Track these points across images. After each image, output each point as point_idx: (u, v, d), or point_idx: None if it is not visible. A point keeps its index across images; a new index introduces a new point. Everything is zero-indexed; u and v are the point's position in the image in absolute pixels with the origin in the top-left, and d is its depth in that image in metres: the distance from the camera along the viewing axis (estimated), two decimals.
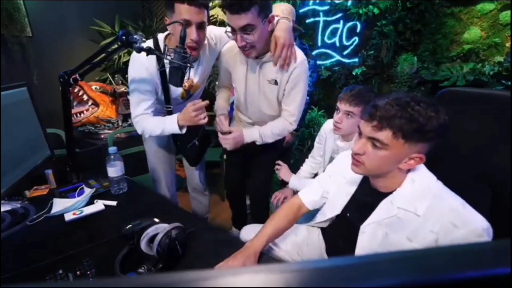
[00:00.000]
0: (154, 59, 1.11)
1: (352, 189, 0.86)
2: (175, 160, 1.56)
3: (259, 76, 1.19)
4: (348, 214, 0.86)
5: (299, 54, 1.14)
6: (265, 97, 1.23)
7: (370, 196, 0.79)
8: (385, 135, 0.67)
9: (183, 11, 1.01)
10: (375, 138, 0.68)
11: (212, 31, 1.25)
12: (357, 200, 0.84)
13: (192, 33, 1.05)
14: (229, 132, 1.23)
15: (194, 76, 1.24)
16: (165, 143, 1.42)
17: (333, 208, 0.90)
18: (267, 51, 1.12)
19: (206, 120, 1.11)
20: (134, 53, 1.10)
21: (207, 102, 1.10)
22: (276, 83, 1.17)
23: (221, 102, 1.38)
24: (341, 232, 0.90)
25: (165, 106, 1.26)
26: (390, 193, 0.74)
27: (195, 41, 1.07)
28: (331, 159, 1.32)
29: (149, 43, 1.13)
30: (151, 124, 1.17)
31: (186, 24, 1.03)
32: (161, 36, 1.18)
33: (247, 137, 1.24)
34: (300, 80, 1.15)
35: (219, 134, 1.26)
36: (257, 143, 1.27)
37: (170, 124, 1.14)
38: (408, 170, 0.73)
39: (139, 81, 1.14)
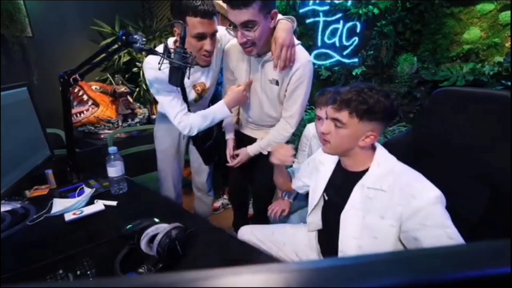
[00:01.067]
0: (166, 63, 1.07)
1: (328, 173, 0.93)
2: (184, 160, 1.56)
3: (260, 75, 1.17)
4: (327, 198, 0.92)
5: (304, 55, 1.11)
6: (266, 97, 1.22)
7: (343, 177, 0.87)
8: (343, 115, 0.78)
9: (197, 24, 1.00)
10: (336, 118, 0.80)
11: None
12: (333, 183, 0.92)
13: (207, 44, 1.06)
14: (237, 155, 1.34)
15: (206, 80, 1.25)
16: (176, 142, 1.42)
17: (315, 192, 0.96)
18: (269, 50, 1.09)
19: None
20: (146, 59, 1.12)
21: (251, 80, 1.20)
22: (277, 83, 1.15)
23: (229, 121, 1.40)
24: (326, 222, 0.94)
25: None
26: (359, 173, 0.83)
27: (210, 51, 1.08)
28: None
29: (160, 48, 1.10)
30: (196, 119, 1.19)
31: (201, 37, 1.03)
32: (170, 41, 1.18)
33: (252, 153, 1.32)
34: (303, 81, 1.13)
35: (228, 156, 1.37)
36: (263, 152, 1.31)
37: (220, 111, 1.19)
38: (373, 151, 0.83)
39: (160, 83, 1.13)
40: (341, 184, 0.88)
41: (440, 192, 0.71)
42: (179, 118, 1.18)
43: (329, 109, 0.83)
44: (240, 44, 1.05)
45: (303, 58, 1.10)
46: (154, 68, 1.09)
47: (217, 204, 2.20)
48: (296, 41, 1.11)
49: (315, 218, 0.98)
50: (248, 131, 1.42)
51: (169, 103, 1.17)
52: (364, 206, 0.79)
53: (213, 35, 1.07)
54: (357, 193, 0.81)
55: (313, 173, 1.01)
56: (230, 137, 1.40)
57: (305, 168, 1.09)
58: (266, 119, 1.31)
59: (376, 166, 0.81)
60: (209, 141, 1.36)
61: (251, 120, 1.37)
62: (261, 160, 1.35)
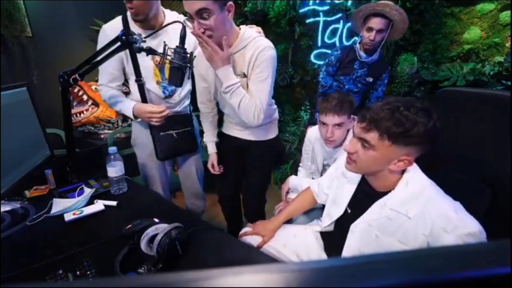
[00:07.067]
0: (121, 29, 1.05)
1: (352, 188, 0.88)
2: (171, 163, 1.53)
3: None
4: (349, 211, 0.87)
5: (266, 41, 1.09)
6: None
7: (368, 195, 0.81)
8: (372, 136, 0.70)
9: None
10: (363, 139, 0.72)
11: (174, 14, 1.29)
12: (356, 199, 0.86)
13: None
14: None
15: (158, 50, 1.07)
16: None
17: (337, 208, 0.91)
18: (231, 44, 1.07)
19: (157, 124, 1.23)
20: (103, 26, 1.19)
21: (166, 113, 1.23)
22: (244, 75, 1.11)
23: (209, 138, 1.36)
24: (340, 232, 0.90)
25: (136, 78, 1.25)
26: (385, 193, 0.76)
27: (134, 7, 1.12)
28: (325, 166, 1.31)
29: (118, 19, 1.27)
30: (112, 98, 1.27)
31: None
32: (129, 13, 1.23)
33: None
34: (268, 65, 1.07)
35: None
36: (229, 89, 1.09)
37: (127, 109, 1.24)
38: (403, 172, 0.74)
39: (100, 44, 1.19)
40: (362, 200, 0.82)
41: (479, 228, 0.62)
42: (101, 87, 1.27)
43: (356, 126, 0.75)
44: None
45: (266, 43, 1.08)
46: (105, 37, 1.15)
47: None
48: (259, 34, 1.13)
49: (330, 226, 0.96)
50: (234, 132, 1.35)
51: (101, 73, 1.26)
52: (380, 225, 0.74)
53: None
54: (376, 210, 0.76)
55: (334, 182, 0.97)
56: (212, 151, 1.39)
57: (330, 180, 1.03)
58: None
59: (403, 185, 0.72)
60: (170, 130, 1.32)
61: (233, 121, 1.31)
62: (252, 164, 1.30)
